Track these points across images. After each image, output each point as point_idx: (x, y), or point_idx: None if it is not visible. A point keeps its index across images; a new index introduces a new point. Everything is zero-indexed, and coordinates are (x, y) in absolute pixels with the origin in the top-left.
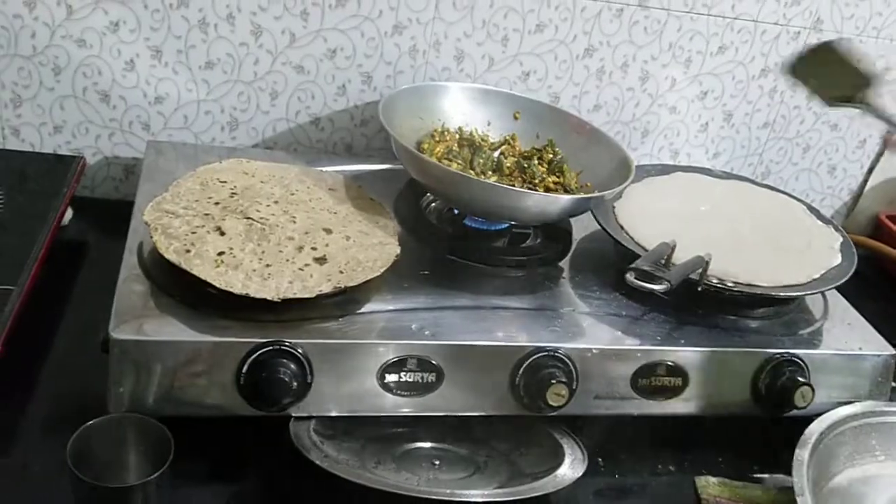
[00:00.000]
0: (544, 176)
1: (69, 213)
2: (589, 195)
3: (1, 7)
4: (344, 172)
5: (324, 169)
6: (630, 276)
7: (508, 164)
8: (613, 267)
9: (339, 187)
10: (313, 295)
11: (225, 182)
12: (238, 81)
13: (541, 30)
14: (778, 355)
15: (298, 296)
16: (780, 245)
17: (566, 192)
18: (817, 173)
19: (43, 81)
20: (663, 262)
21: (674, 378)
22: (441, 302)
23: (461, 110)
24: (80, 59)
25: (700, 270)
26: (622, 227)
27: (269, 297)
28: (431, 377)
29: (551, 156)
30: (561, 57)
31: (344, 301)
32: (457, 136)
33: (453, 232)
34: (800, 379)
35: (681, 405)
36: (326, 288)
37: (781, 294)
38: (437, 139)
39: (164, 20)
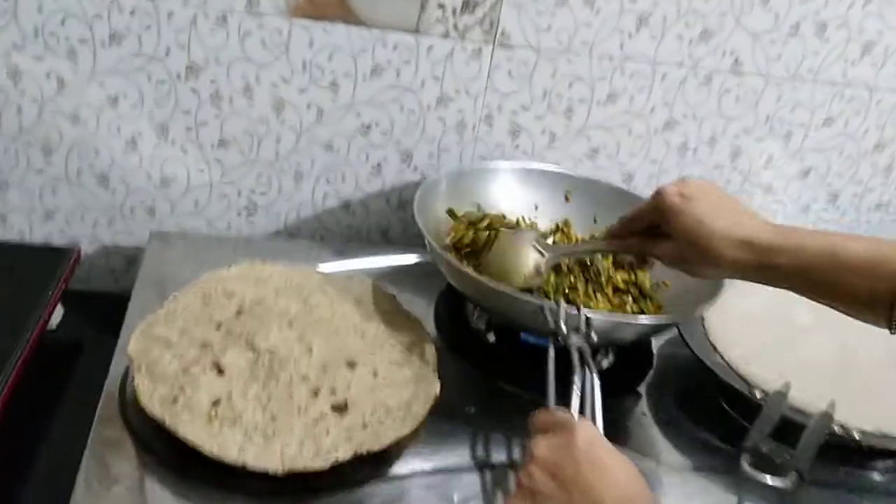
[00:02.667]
0: (611, 274)
1: (59, 311)
2: (671, 319)
3: None
4: (374, 271)
5: (353, 264)
6: (746, 466)
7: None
8: (703, 392)
9: (367, 298)
10: (327, 465)
11: (232, 294)
12: (257, 161)
13: (613, 101)
14: None
15: (308, 467)
16: None
17: (640, 293)
18: None
19: (31, 162)
20: (778, 421)
21: None
22: (492, 454)
23: (508, 194)
24: (73, 137)
25: (826, 433)
26: (714, 347)
27: (270, 470)
28: None
29: None
30: (636, 131)
31: (367, 461)
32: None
33: (507, 350)
34: None
35: None
36: (344, 454)
37: None
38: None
39: (170, 93)
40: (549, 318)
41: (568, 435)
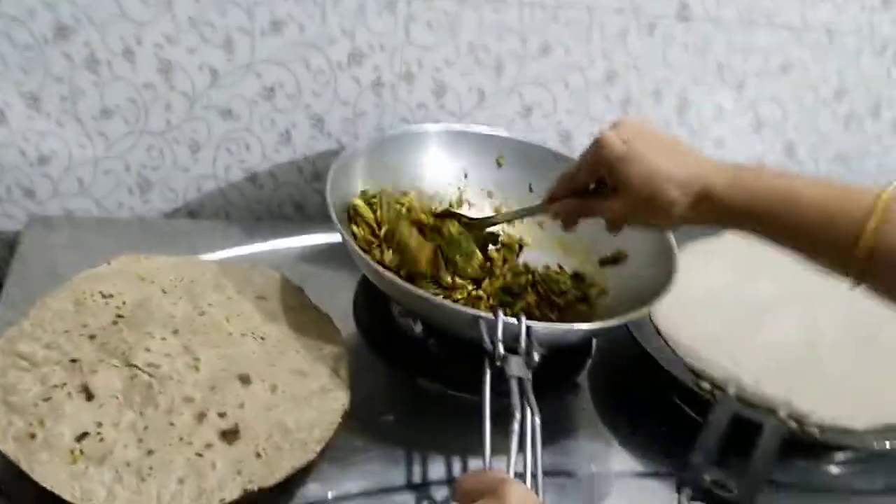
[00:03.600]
0: (563, 288)
1: None
2: (614, 323)
3: None
4: (288, 252)
5: (264, 246)
6: (685, 501)
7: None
8: (648, 382)
9: (271, 293)
10: None
11: (110, 297)
12: (145, 133)
13: (547, 53)
14: None
15: None
16: (879, 349)
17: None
18: None
19: None
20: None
21: None
22: (413, 472)
23: (434, 162)
24: None
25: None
26: (660, 333)
27: None
28: None
29: None
30: (574, 86)
31: (261, 494)
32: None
33: (433, 344)
34: None
35: None
36: (232, 494)
37: (887, 444)
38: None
39: (38, 59)
40: (485, 332)
41: (498, 502)
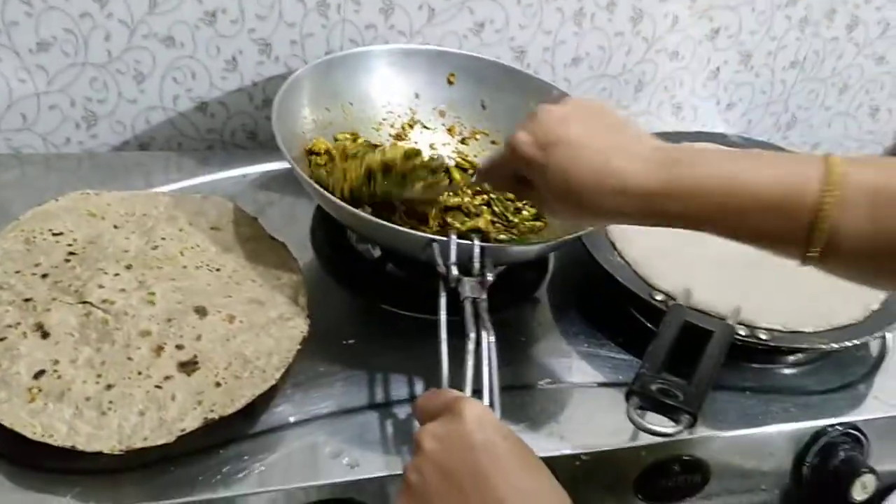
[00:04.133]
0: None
1: None
2: (567, 239)
3: None
4: (243, 181)
5: (218, 175)
6: (633, 413)
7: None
8: (605, 295)
9: (225, 223)
10: (173, 438)
11: (60, 235)
12: (87, 64)
13: None
14: (830, 427)
15: (150, 443)
16: None
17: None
18: (855, 117)
19: None
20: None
21: (691, 475)
22: (376, 391)
23: (384, 84)
24: None
25: (726, 344)
26: (614, 246)
27: (106, 451)
28: None
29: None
30: (525, 0)
31: (224, 422)
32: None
33: (392, 268)
34: (859, 461)
35: None
36: (192, 423)
37: (835, 345)
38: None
39: None
40: (438, 255)
41: (457, 419)
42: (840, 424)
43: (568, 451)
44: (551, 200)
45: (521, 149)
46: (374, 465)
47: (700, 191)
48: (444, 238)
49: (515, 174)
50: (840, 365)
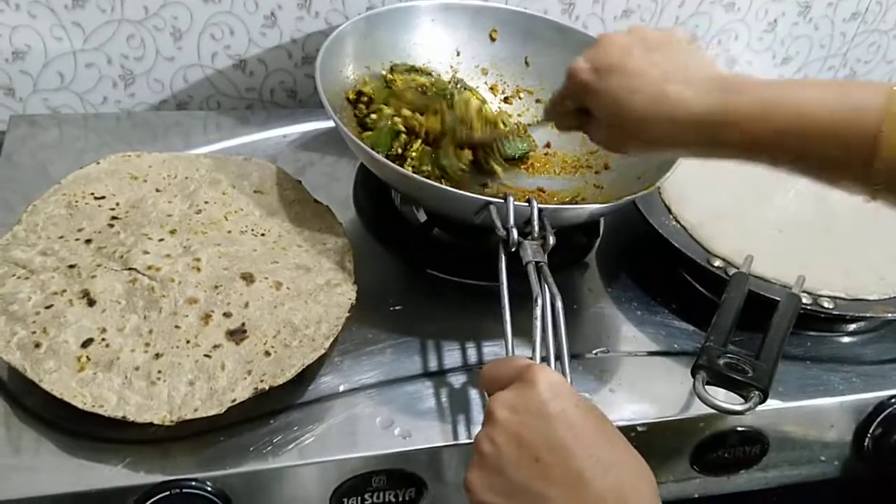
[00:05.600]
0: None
1: None
2: (623, 202)
3: None
4: (283, 141)
5: (258, 136)
6: (701, 389)
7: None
8: (658, 261)
9: (268, 187)
10: (223, 409)
11: (103, 199)
12: (123, 21)
13: None
14: (893, 398)
15: (201, 414)
16: (889, 221)
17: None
18: None
19: None
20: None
21: (749, 447)
22: (428, 358)
23: (425, 42)
24: None
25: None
26: (669, 210)
27: (156, 422)
28: (409, 494)
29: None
30: None
31: (273, 391)
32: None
33: (440, 230)
34: None
35: (758, 477)
36: (243, 393)
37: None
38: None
39: None
40: (496, 218)
41: (530, 387)
42: None
43: (624, 423)
44: (606, 129)
45: (578, 75)
46: (425, 435)
47: (759, 115)
48: (501, 199)
49: (577, 107)
50: None
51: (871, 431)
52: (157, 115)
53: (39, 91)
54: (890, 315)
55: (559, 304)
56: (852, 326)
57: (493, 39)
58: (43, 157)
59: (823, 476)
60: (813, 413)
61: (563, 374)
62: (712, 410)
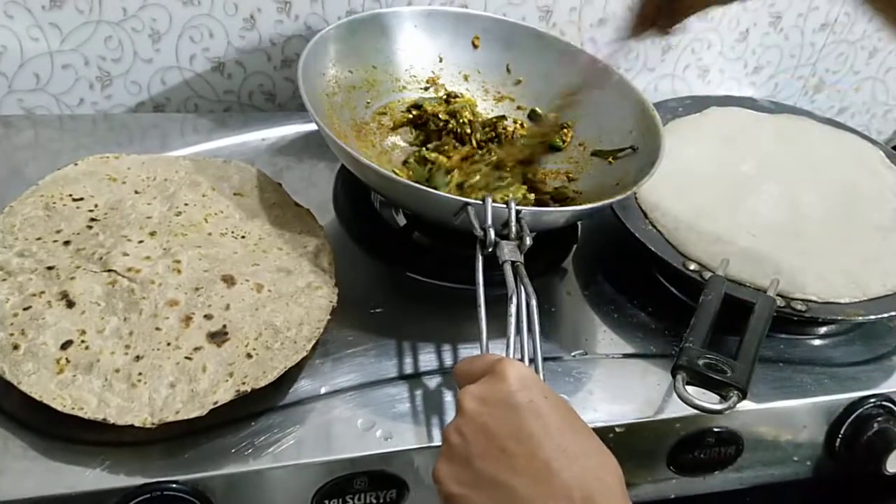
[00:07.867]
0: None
1: None
2: (601, 204)
3: None
4: (262, 145)
5: (236, 139)
6: (682, 389)
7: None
8: (635, 264)
9: (249, 189)
10: (205, 412)
11: (81, 200)
12: (101, 22)
13: None
14: (863, 399)
15: (183, 416)
16: (860, 225)
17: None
18: (884, 81)
19: None
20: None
21: (724, 447)
22: (405, 361)
23: (408, 47)
24: None
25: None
26: (646, 215)
27: (138, 424)
28: (391, 495)
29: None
30: None
31: (254, 393)
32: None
33: (420, 234)
34: (893, 433)
35: (733, 477)
36: (225, 395)
37: (871, 316)
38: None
39: None
40: (474, 219)
41: (499, 380)
42: (874, 396)
43: (601, 424)
44: None
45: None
46: (407, 437)
47: None
48: (479, 201)
49: None
50: (875, 336)
51: (842, 432)
52: (134, 117)
53: (14, 92)
54: (860, 318)
55: (534, 302)
56: (824, 329)
57: (475, 46)
58: (18, 158)
59: (796, 476)
60: (786, 414)
61: (536, 370)
62: (690, 411)
